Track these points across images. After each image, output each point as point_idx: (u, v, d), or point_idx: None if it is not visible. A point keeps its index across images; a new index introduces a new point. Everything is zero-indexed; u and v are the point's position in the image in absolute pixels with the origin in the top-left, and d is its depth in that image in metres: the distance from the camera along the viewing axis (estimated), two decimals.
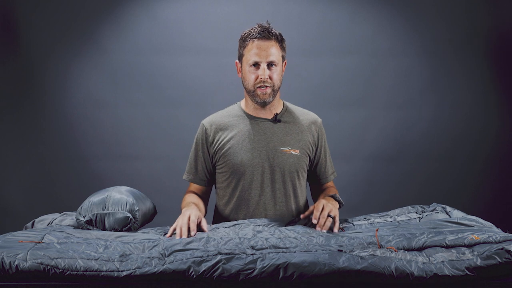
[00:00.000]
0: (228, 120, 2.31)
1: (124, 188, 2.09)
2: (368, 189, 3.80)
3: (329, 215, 2.02)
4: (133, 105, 3.77)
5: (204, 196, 2.37)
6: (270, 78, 2.18)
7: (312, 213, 2.07)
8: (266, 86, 2.19)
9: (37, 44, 3.69)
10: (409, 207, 2.26)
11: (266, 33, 2.17)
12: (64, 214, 2.17)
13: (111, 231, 1.97)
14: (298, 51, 3.70)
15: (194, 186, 2.36)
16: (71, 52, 3.72)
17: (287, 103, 2.38)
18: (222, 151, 2.27)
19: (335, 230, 2.00)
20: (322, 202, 2.07)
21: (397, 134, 3.79)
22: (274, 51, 2.17)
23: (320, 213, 2.02)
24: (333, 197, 2.18)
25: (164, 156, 3.78)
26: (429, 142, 3.80)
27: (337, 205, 2.15)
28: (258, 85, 2.19)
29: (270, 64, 2.18)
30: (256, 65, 2.18)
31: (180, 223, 1.96)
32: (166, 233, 1.99)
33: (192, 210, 2.06)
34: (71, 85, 3.74)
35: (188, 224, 1.96)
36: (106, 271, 1.60)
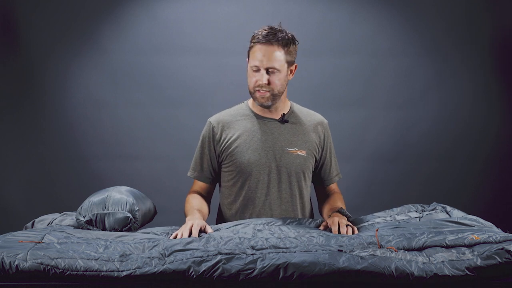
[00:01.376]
0: (236, 119, 2.30)
1: (124, 188, 2.09)
2: (368, 189, 3.80)
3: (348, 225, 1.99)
4: (133, 105, 3.76)
5: (208, 195, 2.37)
6: (269, 83, 2.17)
7: (326, 227, 2.04)
8: (265, 91, 2.18)
9: (37, 44, 3.69)
10: (410, 206, 2.26)
11: (270, 37, 2.15)
12: (64, 214, 2.17)
13: (111, 231, 1.97)
14: (298, 51, 3.67)
15: (198, 184, 2.34)
16: (71, 52, 3.72)
17: (294, 104, 2.37)
18: (229, 150, 2.27)
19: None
20: (335, 218, 2.03)
21: (397, 134, 3.79)
22: (275, 57, 2.15)
23: (339, 227, 1.97)
24: (340, 211, 2.13)
25: (164, 156, 3.78)
26: (429, 142, 3.80)
27: (346, 219, 2.09)
28: (257, 89, 2.19)
29: (270, 69, 2.16)
30: (257, 68, 2.17)
31: (182, 230, 1.94)
32: (168, 234, 2.00)
33: (195, 219, 2.02)
34: (71, 85, 3.74)
35: (190, 230, 1.93)
36: (106, 271, 1.60)
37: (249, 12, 3.72)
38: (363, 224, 2.10)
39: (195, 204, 2.25)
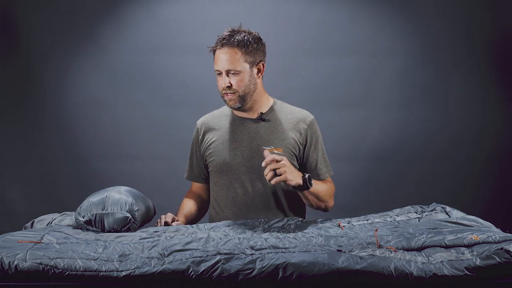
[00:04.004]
0: (218, 120, 2.36)
1: (123, 188, 2.09)
2: (368, 189, 3.80)
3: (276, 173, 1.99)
4: (133, 105, 3.77)
5: (204, 193, 2.46)
6: (232, 85, 2.20)
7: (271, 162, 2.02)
8: (230, 93, 2.22)
9: (37, 44, 3.69)
10: (409, 207, 2.26)
11: (225, 41, 2.19)
12: (64, 214, 2.17)
13: (110, 231, 1.97)
14: (298, 51, 3.70)
15: (194, 184, 2.46)
16: (71, 52, 3.72)
17: (278, 101, 2.37)
18: (209, 151, 2.33)
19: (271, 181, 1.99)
20: (281, 158, 2.01)
21: (397, 134, 3.79)
22: (232, 59, 2.18)
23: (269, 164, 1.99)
24: (305, 175, 2.10)
25: (164, 156, 3.78)
26: (429, 142, 3.79)
27: (298, 175, 2.08)
28: (223, 92, 2.23)
29: (230, 72, 2.19)
30: (219, 72, 2.22)
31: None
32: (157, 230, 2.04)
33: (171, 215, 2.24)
34: (71, 85, 3.74)
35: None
36: (105, 271, 1.60)
37: (249, 12, 3.72)
38: (362, 223, 2.10)
39: (182, 207, 2.38)
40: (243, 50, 2.19)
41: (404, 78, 3.78)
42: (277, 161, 2.00)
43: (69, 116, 3.76)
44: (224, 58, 2.19)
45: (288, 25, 3.72)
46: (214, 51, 2.23)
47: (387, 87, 3.79)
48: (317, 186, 2.21)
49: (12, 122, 3.72)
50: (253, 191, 2.27)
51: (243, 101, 2.24)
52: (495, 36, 3.75)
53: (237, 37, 2.19)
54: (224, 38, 2.20)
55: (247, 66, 2.21)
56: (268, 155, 2.02)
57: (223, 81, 2.21)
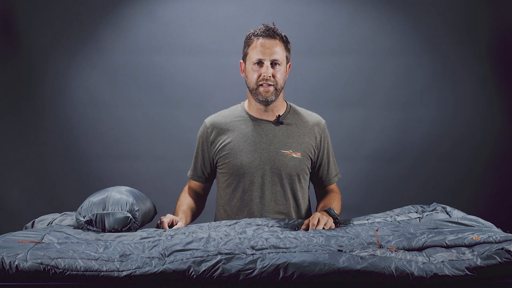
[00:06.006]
0: (230, 121, 2.32)
1: (124, 188, 2.09)
2: (368, 189, 3.80)
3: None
4: (133, 105, 3.76)
5: (202, 193, 2.43)
6: (273, 76, 2.20)
7: (308, 226, 2.03)
8: (269, 85, 2.20)
9: (37, 44, 3.69)
10: (410, 207, 2.26)
11: (270, 32, 2.20)
12: (64, 214, 2.17)
13: (111, 231, 1.97)
14: (298, 51, 3.67)
15: (193, 182, 2.42)
16: (71, 52, 3.72)
17: (291, 104, 2.37)
18: (223, 153, 2.28)
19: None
20: (317, 215, 2.05)
21: (397, 134, 3.79)
22: (278, 50, 2.20)
23: (316, 227, 2.00)
24: (328, 211, 2.10)
25: (164, 156, 3.78)
26: (429, 142, 3.79)
27: (329, 218, 2.09)
28: (261, 83, 2.20)
29: (273, 63, 2.20)
30: (260, 63, 2.20)
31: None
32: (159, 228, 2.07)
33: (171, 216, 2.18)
34: (71, 85, 3.74)
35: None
36: (106, 271, 1.60)
37: (249, 12, 3.72)
38: (362, 223, 2.11)
39: (182, 204, 2.33)
40: (284, 45, 2.24)
41: (404, 78, 3.78)
42: (319, 221, 2.02)
43: (69, 116, 3.75)
44: (269, 47, 2.19)
45: (288, 25, 3.70)
46: (251, 40, 2.22)
47: (387, 87, 3.79)
48: (337, 208, 2.28)
49: (12, 122, 3.72)
50: (271, 193, 2.26)
51: (276, 95, 2.24)
52: (495, 37, 3.76)
53: (279, 31, 2.23)
54: (267, 29, 2.21)
55: (285, 61, 2.25)
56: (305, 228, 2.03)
57: (267, 71, 2.19)
